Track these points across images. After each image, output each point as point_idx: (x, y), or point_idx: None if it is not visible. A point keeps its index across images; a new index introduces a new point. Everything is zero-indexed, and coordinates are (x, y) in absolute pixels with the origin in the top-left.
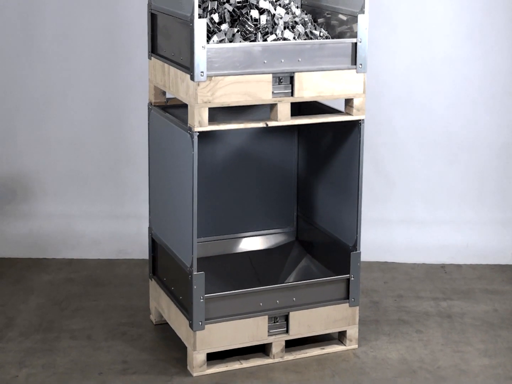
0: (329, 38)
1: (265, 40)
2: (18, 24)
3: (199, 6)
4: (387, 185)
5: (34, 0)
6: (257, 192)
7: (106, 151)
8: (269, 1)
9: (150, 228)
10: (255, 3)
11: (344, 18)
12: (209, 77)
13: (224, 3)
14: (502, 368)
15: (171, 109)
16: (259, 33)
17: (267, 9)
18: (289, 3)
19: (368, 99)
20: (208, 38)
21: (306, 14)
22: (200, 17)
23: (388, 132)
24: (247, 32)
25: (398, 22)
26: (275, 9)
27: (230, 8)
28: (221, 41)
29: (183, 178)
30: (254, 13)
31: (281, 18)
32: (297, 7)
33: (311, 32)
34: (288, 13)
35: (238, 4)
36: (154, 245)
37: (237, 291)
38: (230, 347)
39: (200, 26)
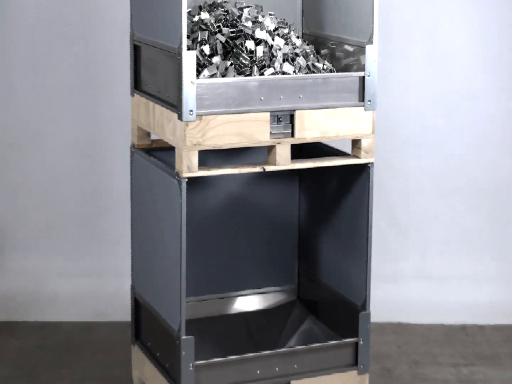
0: (333, 72)
1: (262, 74)
2: None
3: (188, 37)
4: (400, 235)
5: (3, 29)
6: (254, 244)
7: (83, 199)
8: (266, 31)
9: (132, 287)
10: (250, 33)
11: (350, 49)
12: (199, 116)
13: (215, 33)
14: None
15: (156, 152)
16: (255, 66)
17: (264, 40)
18: (288, 33)
19: (377, 139)
20: (198, 73)
21: (307, 44)
22: (189, 49)
23: (401, 176)
24: (242, 65)
25: (411, 53)
26: (273, 40)
27: (223, 39)
28: (212, 76)
29: (170, 230)
30: (250, 44)
31: (279, 49)
32: (298, 37)
33: (313, 65)
34: (287, 44)
35: (232, 35)
36: (137, 305)
37: (231, 358)
38: None
39: (189, 59)
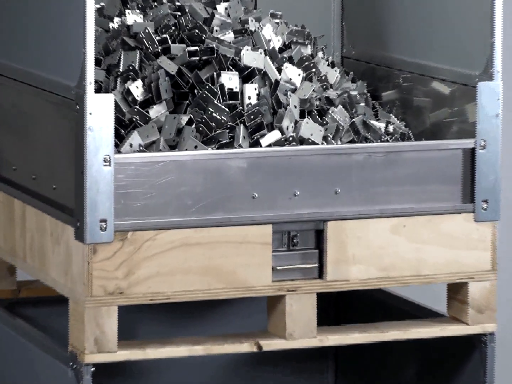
0: (409, 138)
1: (255, 143)
2: None
3: (98, 63)
4: None
5: None
6: None
7: None
8: (266, 51)
9: None
10: (230, 55)
11: (445, 90)
12: (122, 232)
13: (157, 55)
14: None
15: (27, 309)
16: (242, 125)
17: (261, 70)
18: (313, 56)
19: (502, 284)
20: (120, 139)
21: (353, 81)
22: (100, 89)
23: None
24: (213, 123)
25: None
26: (279, 71)
27: (173, 68)
28: (149, 146)
29: None
30: (230, 80)
31: (293, 91)
32: (333, 65)
33: (365, 123)
34: (310, 80)
35: (192, 59)
36: None
37: None
38: None
39: (100, 110)
